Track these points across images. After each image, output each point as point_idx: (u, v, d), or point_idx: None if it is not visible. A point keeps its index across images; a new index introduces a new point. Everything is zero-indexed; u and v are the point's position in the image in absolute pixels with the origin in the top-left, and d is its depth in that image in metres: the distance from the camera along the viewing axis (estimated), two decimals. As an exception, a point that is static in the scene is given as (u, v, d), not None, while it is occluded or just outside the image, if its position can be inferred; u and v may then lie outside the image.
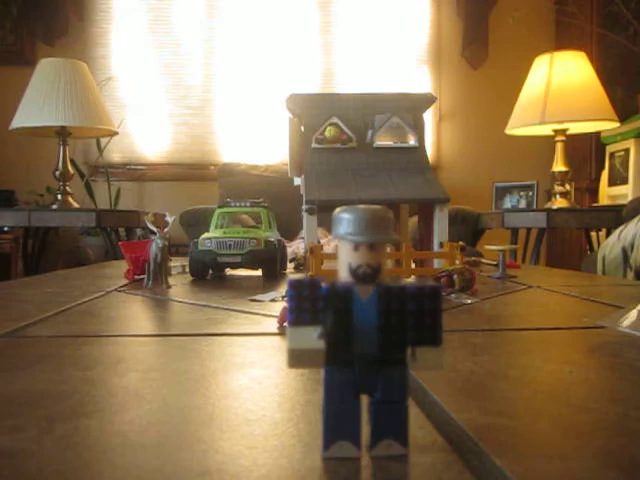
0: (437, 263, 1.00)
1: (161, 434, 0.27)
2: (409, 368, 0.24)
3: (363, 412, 0.24)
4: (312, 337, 0.23)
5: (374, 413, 0.24)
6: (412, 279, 0.99)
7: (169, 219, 0.88)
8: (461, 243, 0.94)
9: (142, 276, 0.91)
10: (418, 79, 3.31)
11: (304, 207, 1.01)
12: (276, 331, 0.54)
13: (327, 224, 1.14)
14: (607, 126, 2.40)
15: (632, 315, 0.47)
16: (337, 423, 0.24)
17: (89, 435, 0.27)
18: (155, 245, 0.85)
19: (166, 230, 0.86)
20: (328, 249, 1.36)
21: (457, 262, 0.89)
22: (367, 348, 0.24)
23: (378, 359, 0.24)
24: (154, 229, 0.86)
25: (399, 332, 0.24)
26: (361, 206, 0.24)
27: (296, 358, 0.23)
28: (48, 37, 3.19)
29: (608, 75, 2.51)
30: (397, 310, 0.24)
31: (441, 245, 1.00)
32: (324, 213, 1.02)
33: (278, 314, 0.56)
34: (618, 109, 2.32)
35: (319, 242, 0.99)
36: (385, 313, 0.24)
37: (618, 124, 2.34)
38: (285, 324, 0.24)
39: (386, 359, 0.24)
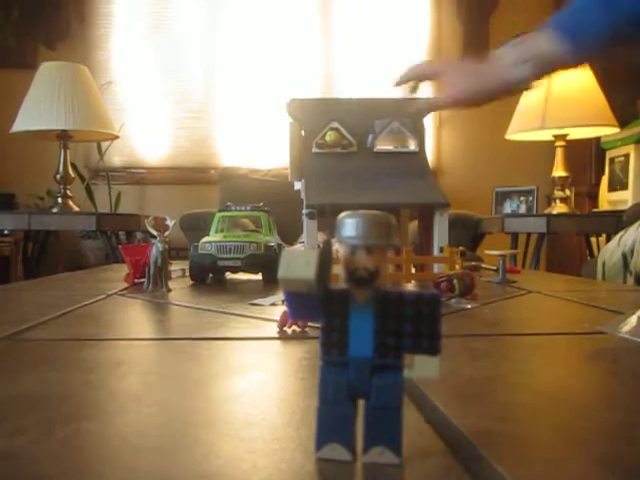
0: (437, 268, 1.00)
1: (161, 437, 0.27)
2: (405, 375, 0.24)
3: (360, 417, 0.24)
4: (302, 267, 0.23)
5: (367, 418, 0.24)
6: (412, 284, 0.99)
7: (169, 223, 0.88)
8: (461, 248, 0.94)
9: (142, 280, 0.91)
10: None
11: (304, 211, 1.01)
12: (276, 335, 0.54)
13: (327, 228, 1.14)
14: (607, 131, 2.40)
15: (632, 321, 0.48)
16: (330, 425, 0.24)
17: (89, 438, 0.27)
18: (155, 249, 0.85)
19: (166, 234, 0.86)
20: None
21: (457, 267, 0.89)
22: (362, 352, 0.24)
23: (373, 363, 0.24)
24: (154, 233, 0.86)
25: (395, 337, 0.24)
26: (363, 211, 0.24)
27: (286, 284, 0.23)
28: (49, 41, 3.20)
29: (608, 81, 2.52)
30: (394, 315, 0.24)
31: (441, 250, 1.00)
32: (324, 217, 1.02)
33: (278, 318, 0.56)
34: (618, 115, 2.33)
35: (319, 246, 0.99)
36: (381, 317, 0.24)
37: (618, 129, 2.34)
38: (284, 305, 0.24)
39: (381, 364, 0.24)
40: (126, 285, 0.94)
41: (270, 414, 0.31)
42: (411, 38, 3.33)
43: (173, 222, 0.88)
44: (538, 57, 0.76)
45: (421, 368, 0.24)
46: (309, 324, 0.55)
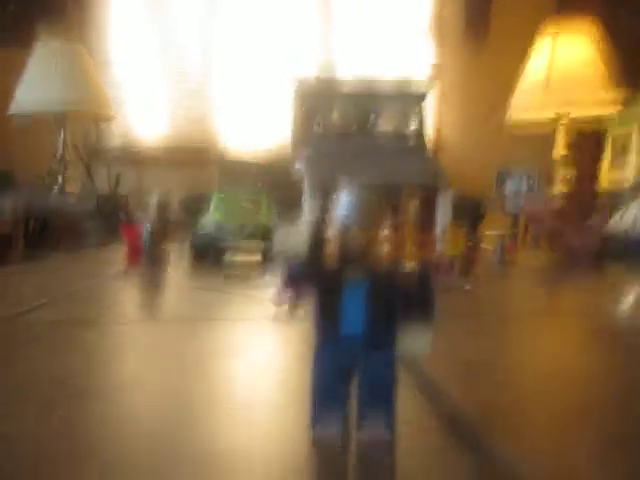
0: (440, 247, 0.99)
1: (161, 418, 0.27)
2: (397, 350, 0.24)
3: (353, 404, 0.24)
4: (296, 237, 0.24)
5: (361, 395, 0.24)
6: (414, 262, 0.99)
7: (153, 201, 0.86)
8: (464, 228, 0.94)
9: (140, 262, 0.91)
10: (421, 58, 3.27)
11: (307, 189, 1.01)
12: (275, 316, 0.54)
13: (319, 205, 1.13)
14: (609, 111, 2.37)
15: (628, 300, 0.48)
16: (325, 401, 0.24)
17: (91, 418, 0.27)
18: (146, 231, 0.85)
19: (152, 213, 0.85)
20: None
21: (461, 246, 0.89)
22: (354, 329, 0.24)
23: (365, 340, 0.24)
24: (141, 215, 0.85)
25: (387, 313, 0.24)
26: (356, 193, 0.24)
27: (282, 252, 0.25)
28: (46, 20, 3.15)
29: (612, 50, 2.47)
30: (386, 291, 0.24)
31: (443, 230, 1.00)
32: (326, 196, 1.02)
33: (273, 297, 0.56)
34: (622, 85, 2.27)
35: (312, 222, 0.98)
36: (374, 294, 0.24)
37: (620, 107, 2.31)
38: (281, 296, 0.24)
39: (374, 341, 0.24)
40: (125, 266, 0.94)
41: (269, 395, 0.31)
42: (412, 19, 3.27)
43: (156, 199, 0.87)
44: None
45: (412, 344, 0.24)
46: (302, 303, 0.55)
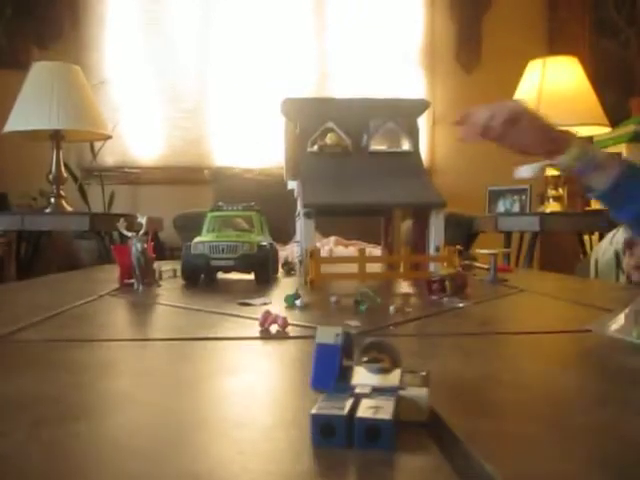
0: (433, 267, 1.00)
1: (151, 438, 0.27)
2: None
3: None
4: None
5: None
6: (407, 282, 0.99)
7: (142, 221, 0.87)
8: (458, 247, 0.94)
9: (132, 280, 0.91)
10: (412, 83, 3.32)
11: (302, 211, 1.01)
12: (266, 335, 0.54)
13: (322, 228, 1.13)
14: (599, 131, 2.42)
15: (620, 319, 0.48)
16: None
17: (78, 440, 0.27)
18: (135, 249, 0.85)
19: (141, 232, 0.86)
20: (322, 253, 1.36)
21: (455, 266, 0.90)
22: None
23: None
24: (128, 234, 0.86)
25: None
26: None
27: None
28: (42, 41, 3.18)
29: (601, 80, 2.53)
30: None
31: (437, 249, 1.00)
32: (320, 217, 1.02)
33: (260, 317, 0.56)
34: (610, 114, 2.34)
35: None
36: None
37: (610, 129, 2.35)
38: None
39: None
40: (118, 286, 0.93)
41: (261, 415, 0.31)
42: (404, 38, 3.33)
43: (145, 218, 0.88)
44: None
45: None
46: (290, 324, 0.55)
